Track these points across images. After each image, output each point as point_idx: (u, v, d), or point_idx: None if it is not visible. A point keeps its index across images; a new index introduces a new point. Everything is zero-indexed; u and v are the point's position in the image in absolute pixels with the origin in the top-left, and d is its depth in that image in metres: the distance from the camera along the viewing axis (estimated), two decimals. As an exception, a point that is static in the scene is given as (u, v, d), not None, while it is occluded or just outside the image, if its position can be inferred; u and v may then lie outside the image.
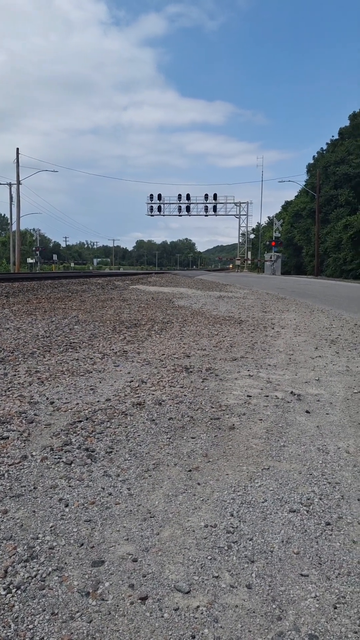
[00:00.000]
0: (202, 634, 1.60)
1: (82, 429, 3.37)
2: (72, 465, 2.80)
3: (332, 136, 67.31)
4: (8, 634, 1.56)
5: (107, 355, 5.92)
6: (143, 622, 1.64)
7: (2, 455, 2.87)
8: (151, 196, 67.84)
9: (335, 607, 1.75)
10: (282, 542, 2.14)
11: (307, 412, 4.04)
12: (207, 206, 66.26)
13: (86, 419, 3.57)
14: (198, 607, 1.72)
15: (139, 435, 3.32)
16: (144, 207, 69.25)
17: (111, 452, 3.02)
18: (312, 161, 66.08)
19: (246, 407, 4.09)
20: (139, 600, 1.73)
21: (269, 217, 77.41)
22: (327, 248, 45.70)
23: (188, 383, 4.77)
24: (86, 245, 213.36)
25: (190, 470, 2.81)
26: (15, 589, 1.76)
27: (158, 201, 67.75)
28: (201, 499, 2.49)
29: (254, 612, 1.71)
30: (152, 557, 1.99)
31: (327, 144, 65.31)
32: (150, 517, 2.29)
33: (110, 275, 32.30)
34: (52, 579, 1.83)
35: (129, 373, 5.08)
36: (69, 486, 2.55)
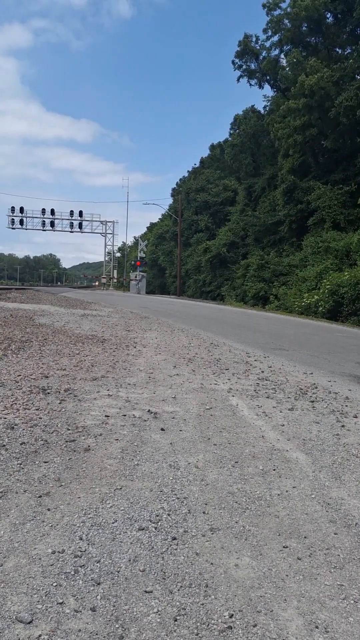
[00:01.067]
0: (42, 665, 1.57)
1: None
2: None
3: (195, 164, 71.35)
4: None
5: None
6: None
7: None
8: (12, 208, 65.06)
9: (176, 620, 1.84)
10: (129, 560, 2.19)
11: (162, 429, 4.18)
12: (72, 222, 65.30)
13: None
14: (40, 636, 1.68)
15: (-14, 463, 3.14)
16: (4, 219, 65.92)
17: None
18: (175, 186, 69.22)
19: (103, 428, 4.10)
20: (-25, 640, 1.64)
21: (134, 237, 79.00)
22: (189, 270, 47.97)
23: (44, 405, 4.64)
24: None
25: (40, 496, 2.74)
26: None
27: (20, 214, 65.09)
28: (50, 524, 2.44)
29: (96, 634, 1.72)
30: (-7, 591, 1.89)
31: (188, 171, 69.04)
32: (-6, 549, 2.18)
33: (-35, 289, 30.00)
34: None
35: (-20, 396, 4.78)
36: None
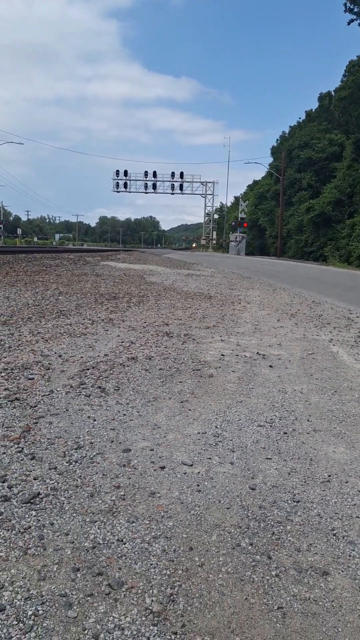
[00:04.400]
0: (204, 485, 2.45)
1: (91, 374, 4.16)
2: (91, 397, 3.59)
3: (299, 118, 68.47)
4: (76, 485, 2.36)
5: (95, 322, 6.66)
6: (164, 479, 2.48)
7: (34, 390, 3.63)
8: (117, 172, 67.52)
9: (289, 474, 2.64)
10: (253, 442, 3.02)
11: (271, 366, 4.94)
12: (173, 184, 66.58)
13: (92, 368, 4.35)
14: (199, 472, 2.58)
15: (137, 379, 4.13)
16: (109, 182, 68.70)
17: (118, 389, 3.82)
18: (275, 144, 67.16)
19: (221, 363, 4.95)
20: (160, 469, 2.57)
21: (234, 197, 78.35)
22: (290, 230, 47.12)
23: (170, 344, 5.60)
24: (47, 220, 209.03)
25: (182, 402, 3.66)
26: (74, 463, 2.56)
27: (124, 177, 67.49)
28: (193, 418, 3.34)
29: (236, 475, 2.58)
30: (164, 448, 2.83)
31: (290, 127, 66.42)
32: (158, 427, 3.12)
33: (79, 251, 32.53)
34: (97, 459, 2.64)
35: (119, 336, 5.86)
36: (92, 409, 3.35)
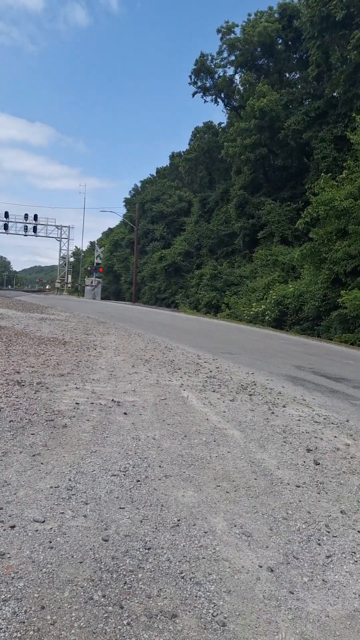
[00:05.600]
0: (56, 541, 2.42)
1: None
2: None
3: (151, 174, 72.60)
4: None
5: None
6: (14, 538, 2.39)
7: None
8: (-35, 209, 64.01)
9: (141, 521, 2.73)
10: (107, 492, 3.06)
11: (125, 413, 5.05)
12: (27, 226, 64.98)
13: None
14: (51, 528, 2.54)
15: (-15, 434, 3.91)
16: None
17: (-36, 446, 3.58)
18: (128, 196, 70.13)
19: (75, 412, 4.92)
20: (9, 528, 2.47)
21: (90, 242, 79.04)
22: (144, 277, 48.91)
23: (22, 394, 5.40)
24: None
25: (34, 455, 3.56)
26: None
27: (-27, 215, 64.13)
28: (45, 472, 3.27)
29: (89, 527, 2.59)
30: (14, 506, 2.72)
31: (141, 181, 70.10)
32: (7, 484, 3.00)
33: None
34: None
35: (-36, 386, 5.48)
36: None
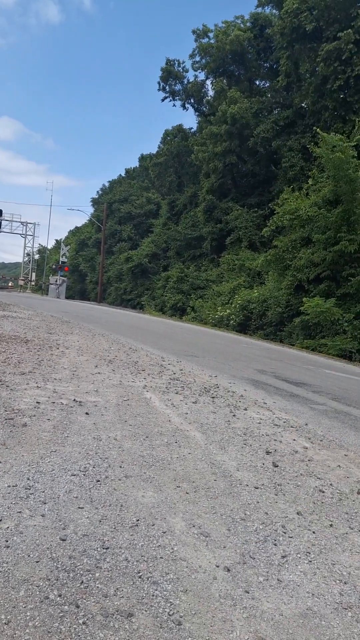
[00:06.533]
0: (13, 540, 2.38)
1: None
2: None
3: (120, 174, 72.19)
4: None
5: None
6: (-32, 539, 2.34)
7: None
8: None
9: (100, 521, 2.72)
10: (66, 492, 3.03)
11: (87, 413, 5.00)
12: (-10, 221, 63.58)
13: None
14: (8, 527, 2.50)
15: None
16: None
17: None
18: (96, 196, 69.52)
19: (36, 411, 4.85)
20: (-36, 528, 2.42)
21: (56, 240, 77.87)
22: (110, 277, 48.57)
23: (-19, 392, 5.28)
24: None
25: (-9, 454, 3.48)
26: None
27: None
28: (3, 471, 3.21)
29: (46, 527, 2.56)
30: (-31, 506, 2.66)
31: (109, 182, 69.62)
32: None
33: None
34: None
35: None
36: None
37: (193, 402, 6.11)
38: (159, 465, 3.73)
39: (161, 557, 2.44)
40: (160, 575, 2.30)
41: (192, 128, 44.21)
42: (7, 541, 2.36)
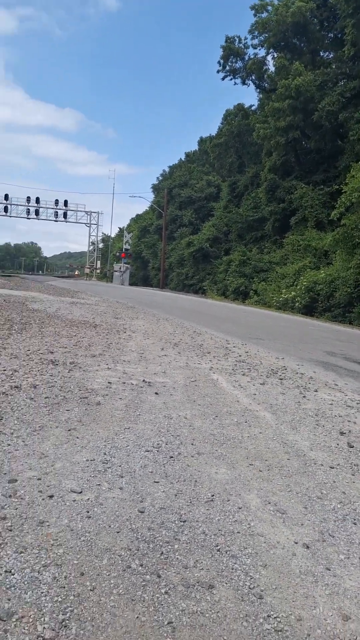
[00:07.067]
0: (94, 511, 2.47)
1: (-30, 404, 3.93)
2: (-29, 428, 3.40)
3: (180, 158, 72.05)
4: None
5: (-27, 349, 6.30)
6: (53, 508, 2.45)
7: None
8: (-3, 195, 64.95)
9: (176, 495, 2.75)
10: (141, 466, 3.09)
11: (156, 393, 5.08)
12: (57, 212, 65.67)
13: (-28, 398, 4.12)
14: (89, 499, 2.58)
15: (22, 409, 4.00)
16: (-12, 205, 65.50)
17: (1, 419, 3.67)
18: (156, 182, 69.81)
19: (108, 390, 4.98)
20: (48, 497, 2.53)
21: (119, 228, 79.18)
22: (172, 263, 48.82)
23: (56, 372, 5.49)
24: None
25: (69, 430, 3.62)
26: None
27: (5, 201, 65.07)
28: (81, 446, 3.33)
29: (125, 499, 2.63)
30: (52, 477, 2.78)
31: (169, 167, 69.61)
32: (45, 456, 3.07)
33: None
34: (-20, 492, 2.51)
35: (0, 364, 5.61)
36: (-27, 441, 3.18)
37: (261, 384, 6.04)
38: (230, 444, 3.72)
39: (238, 532, 2.44)
40: (238, 549, 2.29)
41: (252, 105, 43.15)
42: (88, 512, 2.45)
